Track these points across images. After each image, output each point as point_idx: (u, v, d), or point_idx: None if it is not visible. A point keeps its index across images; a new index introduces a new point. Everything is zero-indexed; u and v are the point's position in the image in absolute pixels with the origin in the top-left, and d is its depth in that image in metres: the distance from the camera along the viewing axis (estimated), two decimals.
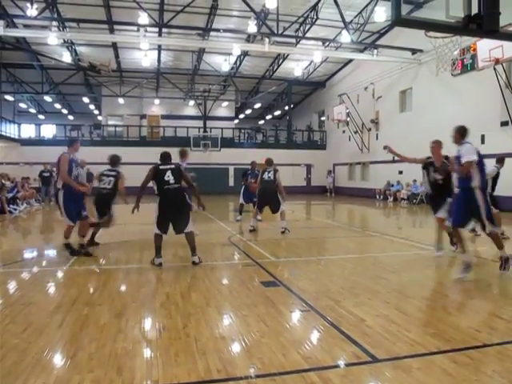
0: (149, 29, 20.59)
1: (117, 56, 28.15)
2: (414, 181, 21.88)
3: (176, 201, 6.74)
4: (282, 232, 10.18)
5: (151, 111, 35.04)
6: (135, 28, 20.18)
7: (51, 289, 5.62)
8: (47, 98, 33.04)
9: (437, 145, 8.02)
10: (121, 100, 33.48)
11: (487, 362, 3.32)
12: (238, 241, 9.42)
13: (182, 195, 6.93)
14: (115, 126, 34.20)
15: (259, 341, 3.70)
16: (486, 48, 15.11)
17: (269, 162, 10.94)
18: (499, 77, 16.08)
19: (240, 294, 5.16)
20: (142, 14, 19.50)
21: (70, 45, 25.51)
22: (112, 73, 26.24)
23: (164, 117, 34.58)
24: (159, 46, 26.46)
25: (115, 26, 22.87)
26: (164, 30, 22.79)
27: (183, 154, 9.81)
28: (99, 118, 38.86)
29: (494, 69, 15.75)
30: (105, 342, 3.67)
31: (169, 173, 6.75)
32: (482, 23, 4.52)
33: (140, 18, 19.59)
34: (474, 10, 4.62)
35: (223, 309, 4.69)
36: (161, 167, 6.85)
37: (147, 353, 3.50)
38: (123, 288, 5.68)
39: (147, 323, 4.21)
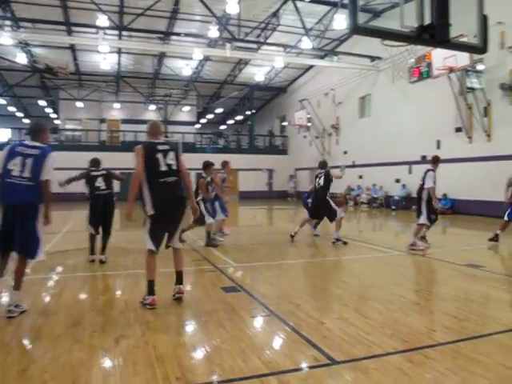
0: (108, 31, 20.27)
1: (75, 58, 27.58)
2: (374, 185, 22.42)
3: (105, 205, 7.32)
4: (334, 242, 9.42)
5: (111, 115, 34.46)
6: (94, 30, 19.83)
7: (3, 299, 5.41)
8: (1, 101, 31.93)
9: None
10: (79, 104, 32.76)
11: (441, 360, 3.42)
12: (199, 246, 9.35)
13: (112, 200, 7.50)
14: (73, 130, 33.40)
15: (219, 347, 3.69)
16: (441, 57, 15.66)
17: (321, 164, 10.30)
18: (453, 85, 16.69)
19: (201, 300, 5.13)
20: (100, 16, 19.14)
21: (24, 46, 24.73)
22: (70, 76, 25.72)
23: (124, 121, 34.09)
24: (119, 49, 26.08)
25: (73, 28, 22.39)
26: (124, 32, 22.51)
27: (208, 167, 9.44)
28: (56, 121, 37.84)
29: (449, 77, 16.34)
30: (59, 353, 3.56)
31: (100, 179, 7.23)
32: (435, 33, 4.68)
33: (99, 20, 19.23)
34: (427, 21, 4.79)
35: (183, 315, 4.64)
36: (92, 173, 7.31)
37: (104, 363, 3.42)
38: (81, 296, 5.51)
39: (105, 332, 4.11)
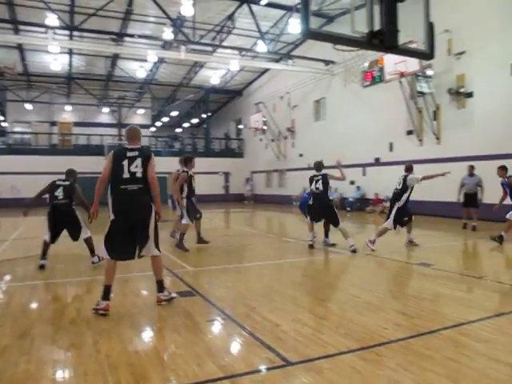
0: (59, 31, 19.70)
1: (23, 58, 26.58)
2: (329, 187, 22.77)
3: (63, 214, 7.28)
4: (354, 251, 8.54)
5: (62, 118, 33.45)
6: (43, 29, 19.20)
7: None
8: None
9: None
10: (28, 106, 31.60)
11: (392, 357, 3.51)
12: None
13: (70, 209, 7.40)
14: (22, 133, 32.19)
15: (174, 353, 3.64)
16: (392, 62, 16.13)
17: (316, 165, 9.41)
18: (404, 90, 17.22)
19: (155, 305, 5.03)
20: (50, 15, 18.54)
21: None
22: (18, 76, 24.82)
23: (76, 124, 33.15)
24: (70, 50, 25.33)
25: (21, 27, 21.57)
26: (75, 33, 21.92)
27: (189, 161, 9.31)
28: (4, 124, 36.38)
29: (400, 82, 16.85)
30: (5, 366, 3.40)
31: (60, 189, 7.30)
32: (384, 39, 4.81)
33: (48, 19, 18.62)
34: (377, 27, 4.92)
35: (137, 322, 4.54)
36: (57, 182, 7.43)
37: (54, 374, 3.29)
38: (29, 306, 5.30)
39: (55, 342, 3.96)
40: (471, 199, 12.48)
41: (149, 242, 4.91)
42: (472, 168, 12.70)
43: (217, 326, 4.40)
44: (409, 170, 9.53)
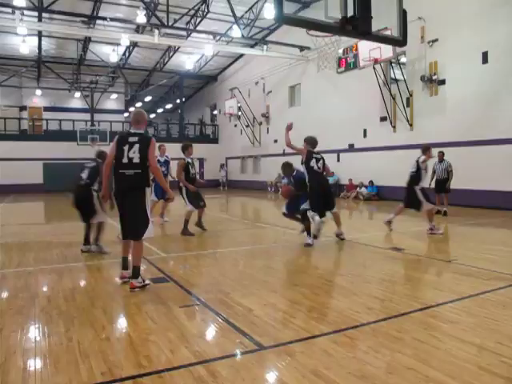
0: (27, 12, 19.07)
1: None
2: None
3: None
4: (342, 239, 8.35)
5: (33, 103, 32.66)
6: (10, 10, 18.57)
7: None
8: None
9: None
10: None
11: (363, 340, 3.57)
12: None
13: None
14: None
15: (146, 339, 3.62)
16: (367, 48, 16.21)
17: (311, 141, 8.23)
18: (378, 76, 17.35)
19: (127, 292, 5.00)
20: None
21: None
22: None
23: (47, 109, 32.48)
24: (40, 32, 24.57)
25: None
26: (45, 14, 21.27)
27: (185, 149, 9.52)
28: None
29: (374, 68, 16.95)
30: None
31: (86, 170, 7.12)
32: (357, 25, 4.83)
33: (15, 0, 18.02)
34: (350, 13, 4.94)
35: (110, 309, 4.51)
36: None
37: (23, 363, 3.24)
38: None
39: (25, 332, 3.90)
40: (442, 185, 12.75)
41: (131, 225, 5.11)
42: (442, 154, 12.93)
43: (190, 312, 4.40)
44: (423, 151, 9.39)
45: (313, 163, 7.80)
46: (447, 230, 10.40)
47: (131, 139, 5.01)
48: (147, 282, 5.15)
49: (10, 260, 6.94)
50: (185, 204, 9.34)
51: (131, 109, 38.22)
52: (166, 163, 11.21)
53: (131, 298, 4.82)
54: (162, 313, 4.28)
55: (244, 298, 4.71)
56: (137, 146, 4.96)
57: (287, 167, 8.17)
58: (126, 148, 4.97)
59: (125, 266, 5.33)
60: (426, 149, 9.28)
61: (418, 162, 9.10)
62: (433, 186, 12.85)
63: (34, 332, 3.85)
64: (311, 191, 7.75)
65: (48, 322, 4.05)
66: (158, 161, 9.55)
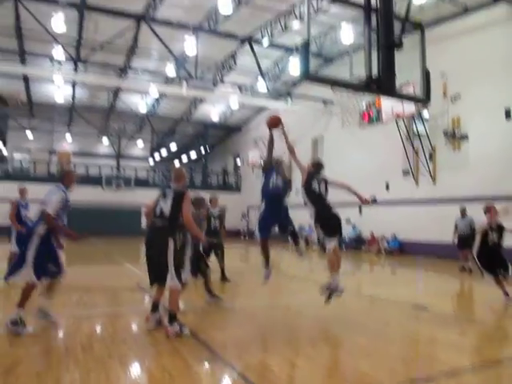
0: (64, 63, 20.10)
1: (27, 88, 26.95)
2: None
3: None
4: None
5: (62, 147, 33.70)
6: (49, 61, 19.62)
7: None
8: None
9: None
10: (29, 134, 31.87)
11: None
12: (148, 285, 9.08)
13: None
14: (21, 160, 32.36)
15: None
16: (389, 103, 16.40)
17: (315, 163, 7.17)
18: (401, 130, 17.48)
19: (145, 343, 4.95)
20: (57, 47, 18.97)
21: None
22: (21, 105, 25.15)
23: (76, 153, 33.40)
24: (74, 82, 25.73)
25: (28, 58, 22.00)
26: (80, 65, 22.33)
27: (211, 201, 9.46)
28: (3, 151, 36.57)
29: (396, 122, 17.11)
30: None
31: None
32: (381, 84, 4.94)
33: (55, 51, 19.07)
34: (375, 72, 5.06)
35: (126, 360, 4.44)
36: None
37: None
38: (15, 341, 5.12)
39: (41, 381, 3.85)
40: (465, 241, 12.45)
41: (163, 272, 5.22)
42: (464, 210, 12.75)
43: (207, 367, 4.31)
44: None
45: (314, 185, 6.70)
46: (473, 288, 10.09)
47: (168, 192, 5.40)
48: (186, 331, 5.17)
49: (30, 304, 6.95)
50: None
51: (156, 156, 39.16)
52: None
53: (149, 348, 4.76)
54: (179, 366, 4.20)
55: (262, 354, 4.61)
56: (169, 201, 5.30)
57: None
58: (160, 200, 5.40)
59: (152, 308, 5.59)
60: (488, 209, 8.02)
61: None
62: (456, 241, 12.60)
63: (49, 382, 3.81)
64: (316, 218, 6.66)
65: (64, 372, 4.01)
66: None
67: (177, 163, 42.44)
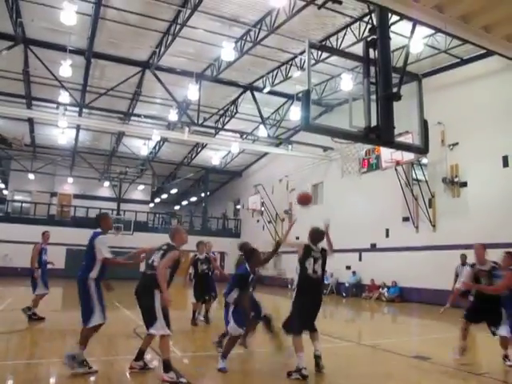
0: (69, 107, 20.50)
1: (32, 131, 27.42)
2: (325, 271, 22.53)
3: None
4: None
5: (63, 189, 33.88)
6: (54, 105, 20.03)
7: None
8: None
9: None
10: (31, 176, 32.13)
11: None
12: (144, 332, 8.88)
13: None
14: (22, 202, 32.43)
15: None
16: (388, 151, 16.60)
17: (312, 233, 6.48)
18: (400, 177, 17.63)
19: None
20: (63, 92, 19.42)
21: None
22: (24, 147, 25.40)
23: (76, 196, 33.55)
24: (78, 126, 26.17)
25: (33, 102, 22.46)
26: (85, 110, 22.77)
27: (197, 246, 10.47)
28: (4, 192, 36.75)
29: (396, 169, 17.28)
30: None
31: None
32: (380, 134, 5.03)
33: (60, 97, 19.49)
34: (374, 123, 5.17)
35: None
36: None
37: None
38: None
39: None
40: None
41: (148, 320, 5.48)
42: (464, 257, 12.68)
43: None
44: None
45: (308, 264, 6.16)
46: (476, 338, 9.87)
47: (159, 247, 5.81)
48: (183, 380, 5.18)
49: (23, 350, 6.81)
50: None
51: (156, 200, 39.30)
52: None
53: None
54: None
55: None
56: (159, 254, 5.66)
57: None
58: (156, 252, 5.77)
59: (137, 356, 5.78)
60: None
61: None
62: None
63: None
64: (296, 300, 6.19)
65: None
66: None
67: (177, 208, 42.58)
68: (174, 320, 5.58)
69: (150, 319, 5.46)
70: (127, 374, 5.65)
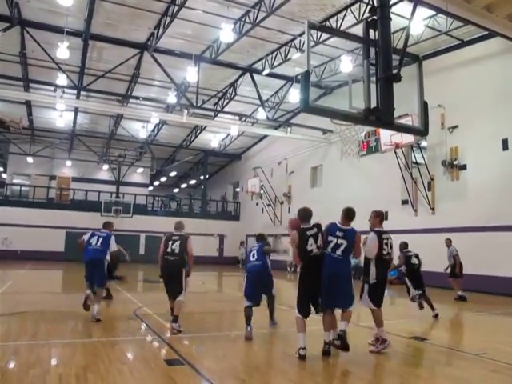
0: (67, 90, 20.33)
1: (30, 114, 27.23)
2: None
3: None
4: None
5: (62, 173, 33.83)
6: (52, 88, 19.86)
7: None
8: None
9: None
10: (30, 159, 32.03)
11: None
12: (144, 314, 8.99)
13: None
14: (21, 185, 32.39)
15: None
16: (388, 133, 16.52)
17: (301, 214, 6.40)
18: (399, 159, 17.59)
19: (142, 374, 4.86)
20: (60, 75, 19.24)
21: None
22: (23, 130, 25.26)
23: (75, 179, 33.54)
24: (76, 108, 25.98)
25: (31, 84, 22.29)
26: (83, 92, 22.60)
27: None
28: (3, 175, 36.70)
29: (395, 152, 17.23)
30: None
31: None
32: (380, 116, 5.00)
33: (58, 79, 19.32)
34: (373, 104, 5.13)
35: None
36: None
37: None
38: (9, 369, 5.04)
39: None
40: (452, 270, 13.07)
41: (175, 293, 7.26)
42: (449, 241, 13.28)
43: None
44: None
45: (310, 245, 5.92)
46: (472, 319, 9.98)
47: (174, 238, 7.37)
48: (181, 329, 7.07)
49: (25, 331, 6.87)
50: None
51: (155, 183, 39.28)
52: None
53: (146, 380, 4.67)
54: None
55: None
56: (178, 242, 7.27)
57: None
58: (170, 242, 7.29)
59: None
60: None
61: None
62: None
63: None
64: (300, 281, 6.06)
65: None
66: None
67: (176, 191, 42.61)
68: None
69: (179, 290, 7.19)
70: (128, 354, 5.71)
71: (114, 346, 6.23)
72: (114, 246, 8.35)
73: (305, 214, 6.34)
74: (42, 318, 7.96)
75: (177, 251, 7.19)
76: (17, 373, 4.87)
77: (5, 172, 35.73)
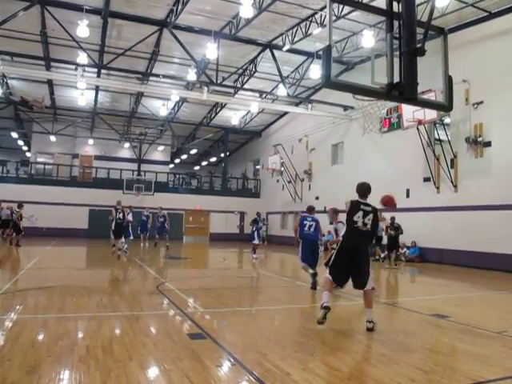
0: (87, 69, 20.43)
1: (52, 93, 27.54)
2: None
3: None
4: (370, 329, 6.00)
5: (84, 151, 34.28)
6: (73, 67, 19.98)
7: None
8: None
9: None
10: (52, 138, 32.48)
11: None
12: (167, 289, 9.17)
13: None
14: (44, 163, 32.97)
15: None
16: (410, 109, 16.22)
17: (365, 189, 6.62)
18: (422, 136, 17.30)
19: (165, 346, 4.99)
20: (81, 53, 19.34)
21: (1, 77, 24.62)
22: (45, 109, 25.58)
23: (97, 157, 33.96)
24: (97, 87, 26.18)
25: (52, 63, 22.48)
26: (103, 70, 22.69)
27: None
28: (27, 154, 37.34)
29: (417, 129, 16.94)
30: None
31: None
32: (403, 91, 4.90)
33: (79, 58, 19.43)
34: (396, 79, 5.02)
35: (146, 363, 4.48)
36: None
37: None
38: (39, 340, 5.27)
39: (62, 381, 3.93)
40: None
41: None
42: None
43: (227, 372, 4.32)
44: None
45: (357, 217, 6.19)
46: (494, 298, 9.89)
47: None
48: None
49: (53, 305, 7.09)
50: None
51: (176, 160, 39.48)
52: None
53: (169, 352, 4.79)
54: (198, 371, 4.22)
55: (281, 360, 4.59)
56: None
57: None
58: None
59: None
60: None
61: None
62: None
63: (71, 382, 3.87)
64: (339, 248, 6.32)
65: (85, 373, 4.06)
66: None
67: (196, 169, 42.76)
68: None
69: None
70: (151, 328, 5.85)
71: (138, 319, 6.38)
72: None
73: (359, 189, 6.60)
74: (68, 292, 8.19)
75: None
76: (46, 344, 5.06)
77: (29, 151, 36.33)
